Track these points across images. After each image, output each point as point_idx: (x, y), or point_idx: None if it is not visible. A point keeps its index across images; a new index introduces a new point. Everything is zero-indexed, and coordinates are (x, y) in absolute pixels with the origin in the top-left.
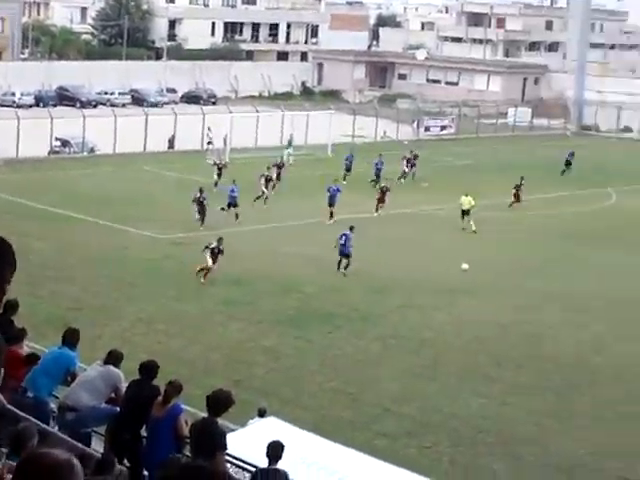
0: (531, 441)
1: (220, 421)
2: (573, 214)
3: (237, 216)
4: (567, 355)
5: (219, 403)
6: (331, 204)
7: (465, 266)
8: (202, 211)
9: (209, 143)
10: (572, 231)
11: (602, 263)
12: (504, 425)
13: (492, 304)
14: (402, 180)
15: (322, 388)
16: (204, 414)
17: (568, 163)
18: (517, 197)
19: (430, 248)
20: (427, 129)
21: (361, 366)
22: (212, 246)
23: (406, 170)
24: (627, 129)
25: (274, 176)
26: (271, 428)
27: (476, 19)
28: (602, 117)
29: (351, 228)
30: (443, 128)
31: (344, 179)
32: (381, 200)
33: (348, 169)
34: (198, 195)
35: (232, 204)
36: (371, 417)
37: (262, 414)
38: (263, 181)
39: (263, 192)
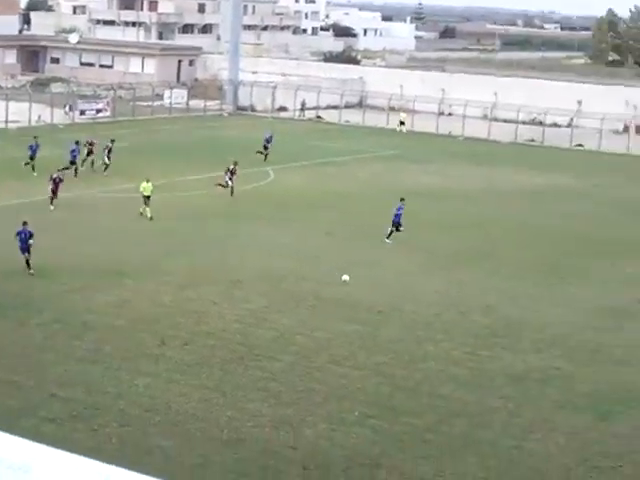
0: (199, 417)
1: None
2: (235, 193)
3: None
4: (231, 330)
5: None
6: None
7: (345, 277)
8: None
9: None
10: (233, 209)
11: (258, 239)
12: (172, 403)
13: (155, 284)
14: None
15: None
16: None
17: (265, 147)
18: (228, 181)
19: (94, 232)
20: (82, 112)
21: (25, 353)
22: None
23: (106, 160)
24: (282, 109)
25: None
26: None
27: (128, 2)
28: (257, 97)
29: (24, 223)
30: (99, 111)
31: (33, 170)
32: (54, 191)
33: (32, 157)
34: None
35: None
36: (37, 403)
37: None
38: None
39: None
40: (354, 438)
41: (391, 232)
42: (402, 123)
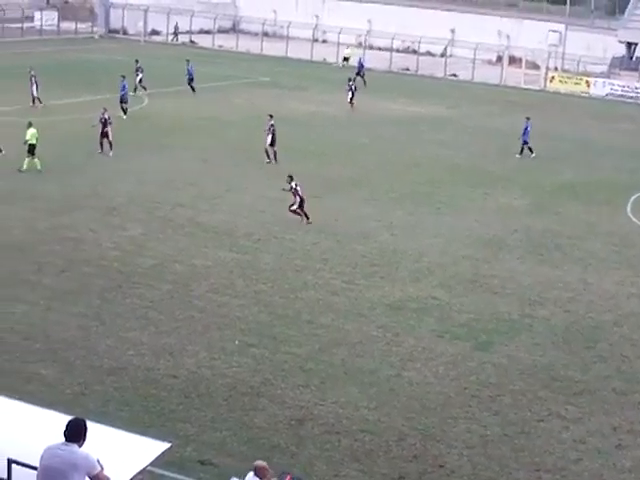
0: (77, 345)
1: None
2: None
3: None
4: (108, 257)
5: None
6: None
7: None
8: None
9: None
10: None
11: (132, 166)
12: (50, 331)
13: (27, 210)
14: None
15: None
16: None
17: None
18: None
19: None
20: None
21: None
22: None
23: None
24: (155, 32)
25: None
26: None
27: None
28: (129, 20)
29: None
30: None
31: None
32: None
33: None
34: None
35: None
36: None
37: None
38: None
39: None
40: (235, 367)
41: (522, 150)
42: (346, 59)
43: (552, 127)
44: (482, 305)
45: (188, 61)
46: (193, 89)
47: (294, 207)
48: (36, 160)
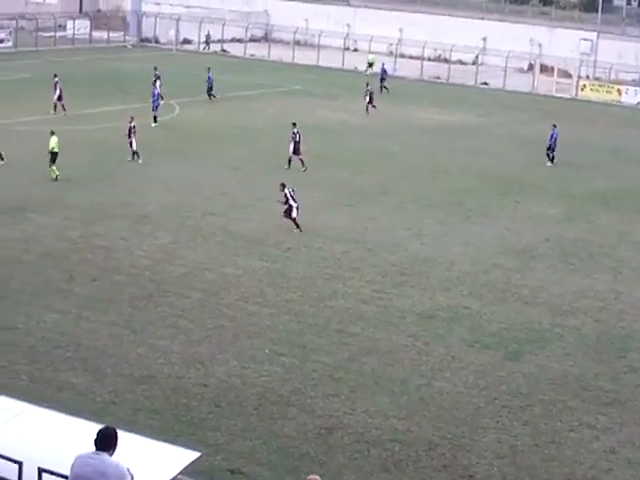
0: (108, 353)
1: None
2: (141, 127)
3: None
4: (139, 266)
5: None
6: None
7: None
8: None
9: None
10: (138, 144)
11: (164, 174)
12: (81, 339)
13: (60, 219)
14: None
15: None
16: None
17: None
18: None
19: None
20: None
21: None
22: None
23: None
24: (187, 41)
25: None
26: None
27: None
28: (161, 29)
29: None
30: (0, 42)
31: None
32: None
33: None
34: None
35: None
36: None
37: None
38: None
39: None
40: (265, 376)
41: (552, 157)
42: (370, 65)
43: (583, 135)
44: (513, 314)
45: (209, 69)
46: (213, 96)
47: (289, 213)
48: (54, 167)
